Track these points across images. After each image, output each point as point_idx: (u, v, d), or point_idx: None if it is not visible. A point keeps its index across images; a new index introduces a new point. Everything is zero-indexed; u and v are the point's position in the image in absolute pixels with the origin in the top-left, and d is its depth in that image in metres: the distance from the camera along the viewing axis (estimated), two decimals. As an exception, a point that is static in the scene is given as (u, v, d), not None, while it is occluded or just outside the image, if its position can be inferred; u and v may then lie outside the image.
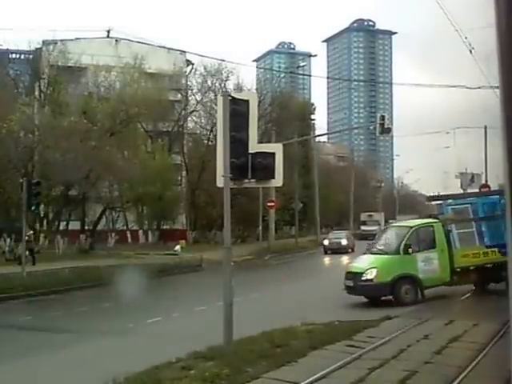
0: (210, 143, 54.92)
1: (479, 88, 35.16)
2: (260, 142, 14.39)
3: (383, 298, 21.34)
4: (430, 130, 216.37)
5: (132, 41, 48.71)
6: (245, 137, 13.12)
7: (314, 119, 77.27)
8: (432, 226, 22.48)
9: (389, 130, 37.65)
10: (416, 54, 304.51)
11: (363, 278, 21.08)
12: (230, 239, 13.53)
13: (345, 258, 49.06)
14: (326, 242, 55.96)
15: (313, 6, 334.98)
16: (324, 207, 73.81)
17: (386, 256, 21.86)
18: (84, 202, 49.72)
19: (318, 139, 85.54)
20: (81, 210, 51.22)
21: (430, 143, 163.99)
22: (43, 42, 51.71)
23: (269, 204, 53.04)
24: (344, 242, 55.03)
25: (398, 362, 12.15)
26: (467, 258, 21.69)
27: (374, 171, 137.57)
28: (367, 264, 21.82)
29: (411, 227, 22.44)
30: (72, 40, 50.69)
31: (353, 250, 55.36)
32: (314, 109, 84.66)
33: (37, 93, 50.32)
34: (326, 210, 77.59)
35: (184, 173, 60.32)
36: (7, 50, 48.48)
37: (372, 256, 22.56)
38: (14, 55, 58.55)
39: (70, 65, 50.06)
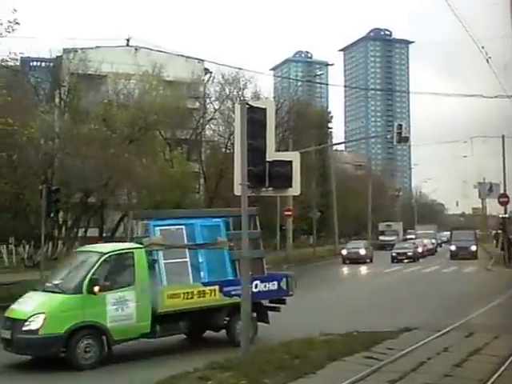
0: (227, 151, 54.78)
1: (496, 97, 34.90)
2: (277, 150, 14.29)
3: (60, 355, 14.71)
4: (447, 139, 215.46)
5: (151, 49, 48.79)
6: (262, 145, 13.00)
7: (331, 128, 77.19)
8: (132, 253, 15.89)
9: (406, 139, 37.47)
10: (433, 63, 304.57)
11: (25, 329, 14.36)
12: (247, 248, 13.37)
13: (363, 268, 48.90)
14: (344, 252, 55.80)
15: (329, 16, 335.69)
16: (342, 216, 73.50)
17: (61, 296, 14.95)
18: (102, 209, 49.72)
19: (335, 148, 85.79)
20: (99, 217, 51.25)
21: (447, 152, 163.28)
22: (64, 50, 51.91)
23: (286, 213, 52.84)
24: (362, 251, 54.84)
25: (417, 374, 11.95)
26: (177, 300, 15.84)
27: (392, 180, 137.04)
28: (34, 307, 14.82)
29: (102, 254, 15.60)
30: (92, 48, 50.79)
31: (371, 260, 55.22)
32: (331, 117, 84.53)
33: (57, 100, 50.45)
34: (344, 219, 77.29)
35: (202, 180, 60.22)
36: (28, 57, 48.68)
37: (43, 295, 15.49)
38: (34, 63, 58.82)
39: (90, 73, 50.15)
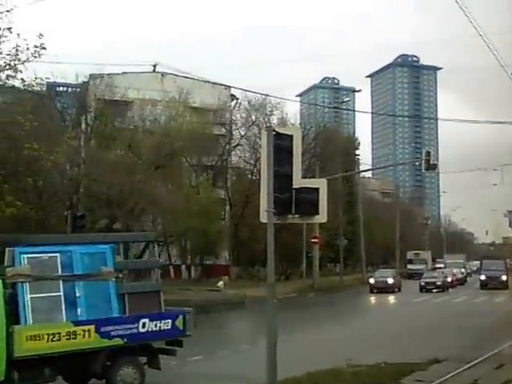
0: (253, 177, 54.85)
1: (526, 124, 34.63)
2: (304, 177, 14.16)
3: None
4: (477, 166, 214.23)
5: (178, 75, 49.04)
6: (289, 171, 12.91)
7: (358, 154, 76.96)
8: None
9: (434, 167, 37.19)
10: (462, 90, 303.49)
11: None
12: (273, 276, 13.23)
13: (391, 298, 48.45)
14: (371, 281, 55.32)
15: (357, 42, 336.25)
16: (369, 244, 73.08)
17: None
18: (128, 235, 49.77)
19: (362, 175, 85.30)
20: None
21: (477, 180, 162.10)
22: (90, 75, 52.36)
23: (312, 240, 52.61)
24: (390, 280, 54.32)
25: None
26: (39, 342, 13.09)
27: (420, 208, 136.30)
28: None
29: None
30: (119, 74, 51.24)
31: (399, 290, 54.70)
32: (358, 144, 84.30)
33: (83, 126, 50.80)
34: (372, 247, 76.85)
35: (227, 207, 60.26)
36: (54, 82, 49.17)
37: None
38: (61, 88, 59.36)
39: (116, 98, 50.53)
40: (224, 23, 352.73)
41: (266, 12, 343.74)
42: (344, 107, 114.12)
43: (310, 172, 52.48)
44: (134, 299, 14.95)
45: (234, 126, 60.95)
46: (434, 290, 53.43)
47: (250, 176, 58.98)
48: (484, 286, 57.46)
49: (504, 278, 58.56)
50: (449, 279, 59.74)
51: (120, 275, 15.28)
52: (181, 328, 15.43)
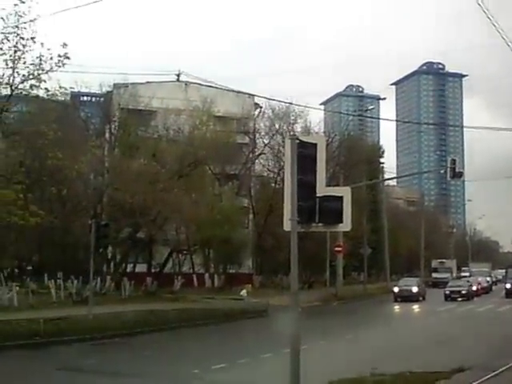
0: (277, 186, 54.91)
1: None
2: (328, 185, 14.18)
3: None
4: (502, 174, 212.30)
5: (201, 85, 49.36)
6: (312, 180, 12.96)
7: (382, 162, 76.78)
8: None
9: (460, 175, 36.93)
10: (487, 97, 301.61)
11: None
12: (297, 284, 13.29)
13: (416, 307, 48.17)
14: (396, 290, 55.07)
15: (381, 49, 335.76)
16: (394, 253, 72.79)
17: None
18: (151, 244, 50.03)
19: (386, 183, 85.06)
20: (147, 253, 51.54)
21: (502, 188, 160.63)
22: (114, 85, 52.88)
23: (336, 249, 52.55)
24: (415, 289, 54.05)
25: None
26: None
27: (445, 216, 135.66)
28: None
29: None
30: (142, 83, 51.70)
31: (424, 298, 54.41)
32: (383, 152, 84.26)
33: (107, 135, 51.24)
34: (396, 256, 76.57)
35: (251, 216, 60.34)
36: (79, 92, 49.66)
37: None
38: (85, 98, 60.01)
39: (140, 108, 50.94)
40: (247, 32, 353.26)
41: (289, 20, 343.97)
42: (368, 115, 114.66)
43: (334, 180, 52.41)
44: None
45: (257, 135, 61.12)
46: (459, 299, 53.05)
47: (273, 184, 59.04)
48: (509, 294, 56.96)
49: None
50: (474, 288, 59.32)
51: None
52: None
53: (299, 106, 58.53)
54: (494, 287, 75.23)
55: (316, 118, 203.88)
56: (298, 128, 57.69)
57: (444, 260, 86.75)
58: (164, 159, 46.23)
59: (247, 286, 49.65)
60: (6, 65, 27.77)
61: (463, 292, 54.78)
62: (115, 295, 40.77)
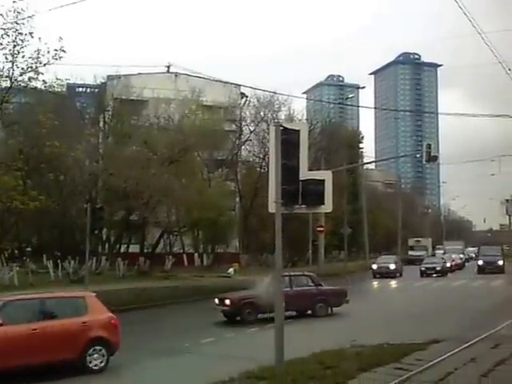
0: (262, 171, 54.88)
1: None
2: (310, 169, 14.22)
3: None
4: (475, 158, 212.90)
5: (190, 75, 48.99)
6: (296, 164, 13.02)
7: (362, 147, 77.06)
8: None
9: (435, 158, 36.99)
10: (461, 86, 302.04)
11: None
12: (281, 262, 13.37)
13: (393, 282, 48.46)
14: (374, 267, 55.49)
15: (361, 40, 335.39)
16: (372, 232, 73.09)
17: None
18: (144, 226, 50.08)
19: (366, 167, 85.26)
20: (140, 234, 51.61)
21: (475, 171, 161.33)
22: (108, 76, 52.70)
23: (318, 229, 52.66)
24: (392, 266, 54.44)
25: (444, 384, 11.80)
26: None
27: (421, 198, 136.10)
28: None
29: None
30: (134, 75, 51.33)
31: (401, 275, 54.72)
32: (362, 138, 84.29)
33: (101, 124, 51.17)
34: (375, 235, 76.87)
35: (238, 199, 60.40)
36: (74, 83, 49.45)
37: None
38: (80, 89, 59.68)
39: (132, 98, 50.76)
40: (232, 24, 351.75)
41: (272, 12, 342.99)
42: (348, 103, 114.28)
43: (316, 165, 52.25)
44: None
45: (243, 123, 60.95)
46: (434, 275, 53.34)
47: (258, 169, 58.98)
48: (482, 270, 57.34)
49: (500, 262, 58.46)
50: (448, 264, 59.72)
51: None
52: None
53: (283, 94, 58.52)
54: (466, 264, 75.71)
55: (299, 107, 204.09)
56: (282, 116, 57.64)
57: (420, 239, 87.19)
58: (155, 146, 46.11)
59: (234, 265, 49.82)
60: (6, 58, 27.95)
61: (438, 268, 55.06)
62: (110, 274, 40.85)
